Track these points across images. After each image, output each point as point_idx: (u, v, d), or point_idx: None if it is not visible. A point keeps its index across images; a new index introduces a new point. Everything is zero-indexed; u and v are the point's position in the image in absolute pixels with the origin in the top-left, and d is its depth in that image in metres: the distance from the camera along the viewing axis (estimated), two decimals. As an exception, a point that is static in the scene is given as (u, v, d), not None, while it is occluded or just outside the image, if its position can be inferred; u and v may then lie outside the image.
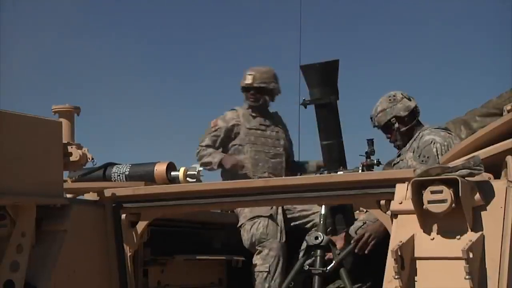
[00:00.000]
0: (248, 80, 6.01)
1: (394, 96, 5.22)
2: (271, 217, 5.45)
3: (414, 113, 5.21)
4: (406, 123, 5.18)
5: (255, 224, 5.45)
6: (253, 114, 6.07)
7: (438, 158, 4.88)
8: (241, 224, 5.55)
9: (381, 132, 5.31)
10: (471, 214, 3.49)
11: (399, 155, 5.20)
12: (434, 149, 4.94)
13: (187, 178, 4.95)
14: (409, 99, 5.22)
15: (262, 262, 5.38)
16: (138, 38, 16.19)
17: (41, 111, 4.58)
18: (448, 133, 5.13)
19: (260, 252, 5.41)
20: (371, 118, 5.30)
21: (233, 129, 6.03)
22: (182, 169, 4.99)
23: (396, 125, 5.18)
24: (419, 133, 5.13)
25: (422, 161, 4.92)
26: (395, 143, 5.26)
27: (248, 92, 6.06)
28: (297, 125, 5.79)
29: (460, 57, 15.60)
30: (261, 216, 5.44)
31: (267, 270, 5.34)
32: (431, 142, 4.98)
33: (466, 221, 3.47)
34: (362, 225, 4.90)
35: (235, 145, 6.01)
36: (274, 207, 5.45)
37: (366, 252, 4.77)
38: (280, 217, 5.49)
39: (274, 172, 5.93)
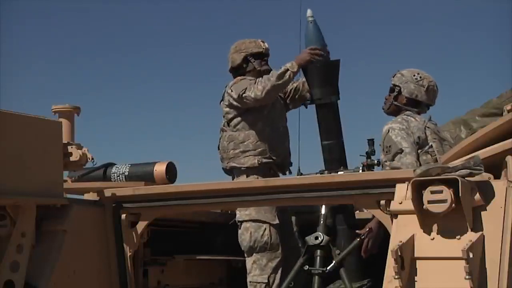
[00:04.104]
0: (266, 45, 5.70)
1: (420, 77, 5.18)
2: (277, 227, 5.27)
3: (413, 103, 5.17)
4: (401, 102, 5.18)
5: (260, 229, 5.23)
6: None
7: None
8: (242, 221, 5.29)
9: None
10: (471, 214, 3.48)
11: None
12: (393, 136, 4.95)
13: None
14: (426, 90, 5.15)
15: (260, 273, 5.21)
16: (139, 39, 16.20)
17: (41, 111, 4.59)
18: (405, 115, 5.09)
19: (258, 260, 5.23)
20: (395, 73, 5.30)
21: None
22: None
23: (395, 93, 5.19)
24: None
25: (386, 152, 4.95)
26: (384, 105, 5.29)
27: (262, 59, 5.69)
28: (297, 125, 5.75)
29: (460, 57, 15.63)
30: (268, 223, 5.25)
31: (266, 281, 5.19)
32: (388, 131, 5.00)
33: (466, 221, 3.47)
34: None
35: None
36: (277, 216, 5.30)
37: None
38: (282, 229, 5.33)
39: None
